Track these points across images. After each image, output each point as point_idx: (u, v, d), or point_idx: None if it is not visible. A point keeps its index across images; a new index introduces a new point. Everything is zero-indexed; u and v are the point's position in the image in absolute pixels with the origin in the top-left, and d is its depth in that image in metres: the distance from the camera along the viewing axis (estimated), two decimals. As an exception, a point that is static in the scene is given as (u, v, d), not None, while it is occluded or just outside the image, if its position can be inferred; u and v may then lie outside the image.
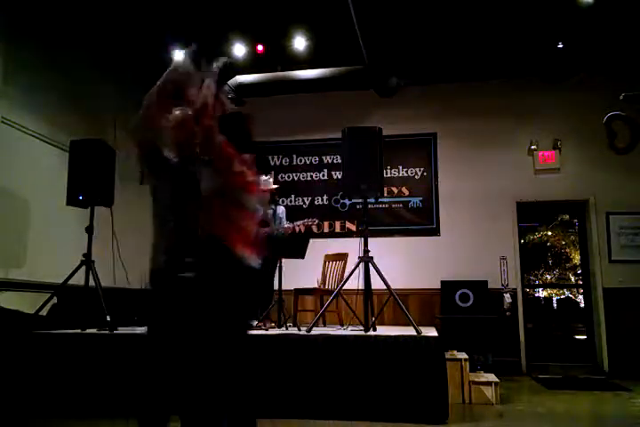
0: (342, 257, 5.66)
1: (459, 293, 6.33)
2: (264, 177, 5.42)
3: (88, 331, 4.63)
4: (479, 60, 6.65)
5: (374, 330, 4.53)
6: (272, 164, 7.45)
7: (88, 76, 6.36)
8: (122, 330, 4.79)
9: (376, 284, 4.63)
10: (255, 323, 4.91)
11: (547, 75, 6.51)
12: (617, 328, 6.41)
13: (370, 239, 4.74)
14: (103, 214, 5.24)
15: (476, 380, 4.67)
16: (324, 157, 7.45)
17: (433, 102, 7.18)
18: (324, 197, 7.32)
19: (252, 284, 2.37)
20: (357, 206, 7.04)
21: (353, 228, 7.18)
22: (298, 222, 5.15)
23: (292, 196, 7.37)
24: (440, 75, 7.04)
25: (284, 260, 5.17)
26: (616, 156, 6.58)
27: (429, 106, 7.19)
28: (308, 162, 7.49)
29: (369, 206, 5.03)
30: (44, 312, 5.01)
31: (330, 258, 5.81)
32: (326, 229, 7.20)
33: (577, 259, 13.43)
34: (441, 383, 3.91)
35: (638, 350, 6.24)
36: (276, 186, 5.54)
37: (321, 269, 5.78)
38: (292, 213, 5.67)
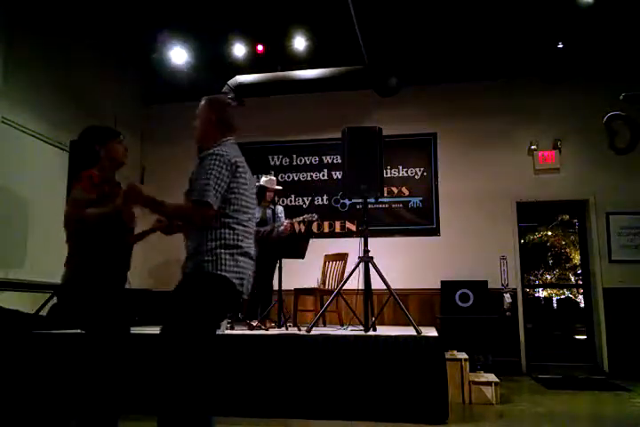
0: (342, 257, 5.66)
1: (459, 293, 6.33)
2: (270, 177, 5.44)
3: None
4: (479, 60, 6.66)
5: (374, 330, 4.53)
6: (272, 164, 7.45)
7: (88, 76, 6.37)
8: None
9: (376, 284, 4.62)
10: (255, 323, 4.91)
11: (547, 75, 6.50)
12: (617, 328, 6.41)
13: (370, 239, 4.74)
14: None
15: (476, 380, 4.66)
16: (324, 157, 7.44)
17: (433, 102, 7.18)
18: (324, 197, 7.32)
19: None
20: (357, 206, 7.04)
21: (353, 228, 7.17)
22: (298, 218, 5.14)
23: (292, 196, 7.37)
24: (440, 75, 7.04)
25: (284, 260, 5.17)
26: (616, 156, 6.54)
27: (429, 106, 7.18)
28: (307, 162, 7.48)
29: (369, 206, 5.04)
30: (43, 312, 5.01)
31: (330, 258, 5.81)
32: (326, 229, 7.20)
33: (577, 259, 13.44)
34: (441, 383, 3.90)
35: (638, 350, 6.24)
36: (279, 187, 5.56)
37: (321, 269, 5.78)
38: (292, 213, 5.68)
